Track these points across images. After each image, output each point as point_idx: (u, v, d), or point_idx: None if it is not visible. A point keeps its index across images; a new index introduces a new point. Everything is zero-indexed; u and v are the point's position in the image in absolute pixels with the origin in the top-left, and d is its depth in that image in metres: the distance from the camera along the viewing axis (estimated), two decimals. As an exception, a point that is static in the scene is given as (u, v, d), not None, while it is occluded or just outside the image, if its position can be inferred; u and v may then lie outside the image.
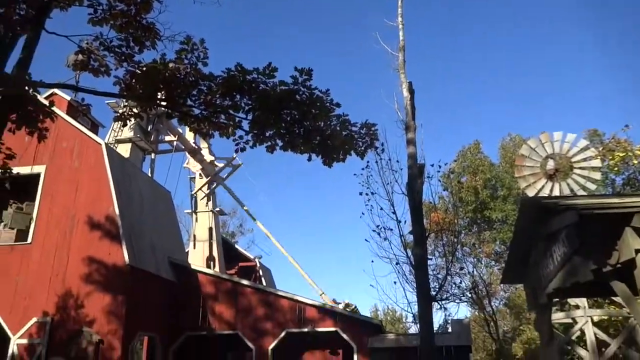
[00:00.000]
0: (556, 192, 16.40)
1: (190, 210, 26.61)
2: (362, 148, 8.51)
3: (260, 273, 28.12)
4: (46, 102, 7.88)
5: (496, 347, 34.33)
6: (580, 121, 67.27)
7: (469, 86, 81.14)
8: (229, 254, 27.63)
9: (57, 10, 7.69)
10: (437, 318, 34.61)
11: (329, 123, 7.93)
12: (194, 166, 25.81)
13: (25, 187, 16.82)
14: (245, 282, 18.71)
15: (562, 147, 17.09)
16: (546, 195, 15.86)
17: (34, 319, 14.80)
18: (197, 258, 24.16)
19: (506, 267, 10.52)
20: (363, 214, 13.85)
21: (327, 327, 16.98)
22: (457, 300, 17.76)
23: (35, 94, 7.48)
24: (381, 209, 13.54)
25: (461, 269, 24.99)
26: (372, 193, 13.60)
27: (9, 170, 8.57)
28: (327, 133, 7.91)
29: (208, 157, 25.98)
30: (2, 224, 17.05)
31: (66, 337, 14.52)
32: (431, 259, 19.36)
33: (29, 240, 15.89)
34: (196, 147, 25.37)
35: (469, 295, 28.39)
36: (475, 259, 32.63)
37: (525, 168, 17.42)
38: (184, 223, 33.66)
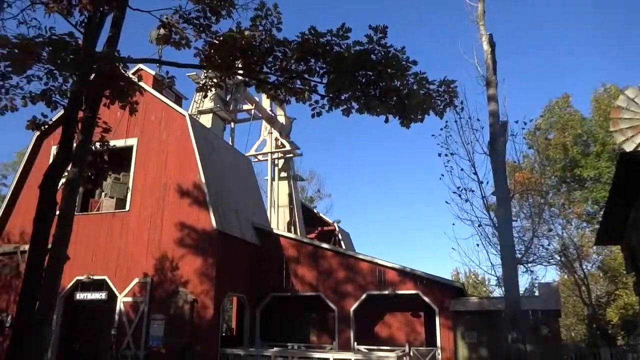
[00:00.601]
0: (659, 146, 14.92)
1: (269, 177, 27.43)
2: (441, 107, 8.21)
3: (340, 237, 28.58)
4: (134, 78, 8.35)
5: (588, 312, 32.68)
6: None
7: (556, 35, 75.08)
8: (309, 218, 28.30)
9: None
10: (523, 281, 33.44)
11: (406, 82, 7.70)
12: (265, 130, 26.36)
13: (121, 158, 18.15)
14: (325, 245, 19.12)
15: (667, 96, 15.40)
16: (647, 150, 14.50)
17: (136, 279, 16.22)
18: (278, 223, 25.01)
19: (601, 228, 9.89)
20: (443, 175, 13.54)
21: (407, 290, 17.02)
22: (544, 263, 17.09)
23: (125, 70, 7.95)
24: (462, 169, 13.19)
25: (549, 230, 23.84)
26: (452, 154, 13.25)
27: (106, 143, 9.26)
28: (404, 92, 7.69)
29: (285, 122, 26.40)
30: (103, 193, 18.64)
31: (165, 296, 15.80)
32: (516, 220, 18.59)
33: (127, 208, 17.27)
34: (273, 114, 25.87)
35: (558, 258, 27.11)
36: (564, 220, 30.87)
37: (622, 121, 15.88)
38: (265, 189, 34.77)
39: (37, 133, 8.10)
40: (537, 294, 17.26)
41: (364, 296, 17.29)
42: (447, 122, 13.11)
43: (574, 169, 29.63)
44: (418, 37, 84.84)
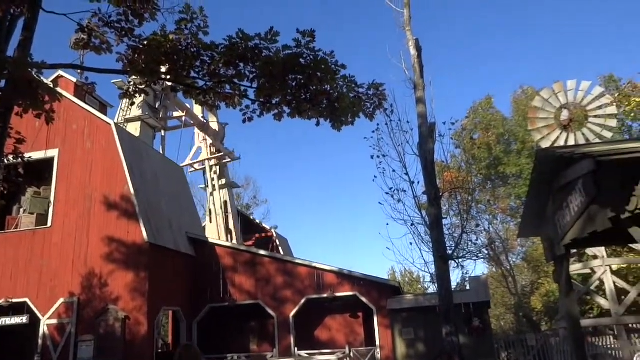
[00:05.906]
0: (571, 143, 16.13)
1: (203, 185, 26.80)
2: (371, 109, 8.36)
3: (277, 243, 28.45)
4: (50, 84, 7.82)
5: (515, 302, 34.67)
6: (596, 68, 65.18)
7: (479, 41, 79.26)
8: (246, 226, 27.94)
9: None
10: (455, 276, 34.95)
11: (336, 85, 7.77)
12: (198, 137, 25.75)
13: (41, 171, 17.02)
14: (263, 252, 18.95)
15: (576, 96, 16.67)
16: (561, 146, 15.60)
17: (61, 300, 15.23)
18: (214, 232, 24.47)
19: (523, 221, 10.45)
20: (375, 177, 13.82)
21: (345, 292, 17.21)
22: (474, 258, 17.82)
23: (39, 75, 7.43)
24: (394, 171, 13.50)
25: (477, 226, 25.03)
26: (384, 155, 13.53)
27: (20, 155, 8.62)
28: (334, 96, 7.76)
29: (217, 129, 25.89)
30: (22, 209, 17.38)
31: (93, 315, 14.95)
32: (446, 218, 19.31)
33: (49, 223, 16.19)
34: (205, 121, 25.32)
35: (486, 252, 28.51)
36: (490, 216, 32.66)
37: (538, 120, 17.10)
38: (199, 198, 33.97)
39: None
40: (468, 287, 18.02)
41: (303, 301, 17.28)
42: (378, 124, 13.41)
43: (497, 166, 31.39)
44: (348, 43, 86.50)
